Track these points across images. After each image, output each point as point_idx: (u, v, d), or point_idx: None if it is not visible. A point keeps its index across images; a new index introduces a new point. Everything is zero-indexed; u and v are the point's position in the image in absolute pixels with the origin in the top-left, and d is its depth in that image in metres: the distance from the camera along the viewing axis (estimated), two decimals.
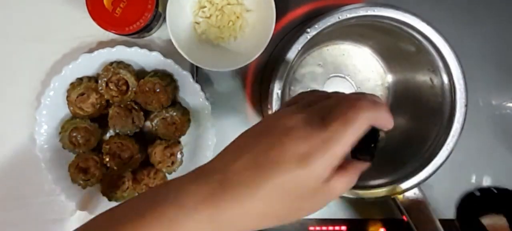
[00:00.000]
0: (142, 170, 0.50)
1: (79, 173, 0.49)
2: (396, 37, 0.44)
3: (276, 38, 0.52)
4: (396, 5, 0.41)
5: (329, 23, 0.41)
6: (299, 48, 0.41)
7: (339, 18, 0.41)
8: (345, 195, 0.42)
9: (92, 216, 0.51)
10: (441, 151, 0.42)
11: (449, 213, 0.54)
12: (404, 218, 0.46)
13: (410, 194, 0.44)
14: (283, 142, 0.28)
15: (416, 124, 0.48)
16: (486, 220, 0.49)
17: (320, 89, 0.52)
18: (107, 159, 0.49)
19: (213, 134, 0.50)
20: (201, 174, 0.30)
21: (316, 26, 0.41)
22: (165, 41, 0.53)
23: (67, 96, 0.49)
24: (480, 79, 0.54)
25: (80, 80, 0.49)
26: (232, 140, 0.54)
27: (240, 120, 0.54)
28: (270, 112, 0.41)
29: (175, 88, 0.50)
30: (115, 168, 0.49)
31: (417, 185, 0.43)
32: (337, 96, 0.31)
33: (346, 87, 0.53)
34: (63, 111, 0.50)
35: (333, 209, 0.53)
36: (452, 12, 0.54)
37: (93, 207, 0.51)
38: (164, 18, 0.48)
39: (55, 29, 0.53)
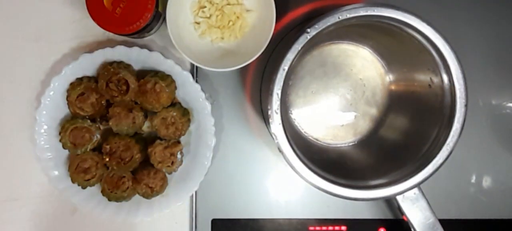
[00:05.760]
0: (142, 170, 0.50)
1: (79, 173, 0.49)
2: (396, 37, 0.44)
3: (276, 38, 0.52)
4: (396, 5, 0.41)
5: (329, 23, 0.41)
6: (299, 48, 0.41)
7: (339, 18, 0.41)
8: (345, 195, 0.42)
9: (92, 216, 0.51)
10: (441, 151, 0.42)
11: (449, 213, 0.54)
12: (404, 218, 0.46)
13: (410, 194, 0.44)
14: None
15: (416, 124, 0.48)
16: None
17: (320, 89, 0.52)
18: (107, 159, 0.49)
19: (213, 134, 0.50)
20: None
21: (316, 26, 0.41)
22: (165, 41, 0.53)
23: (67, 96, 0.49)
24: (480, 79, 0.54)
25: (80, 80, 0.49)
26: (232, 140, 0.54)
27: (240, 120, 0.54)
28: (270, 112, 0.41)
29: (175, 88, 0.50)
30: (115, 168, 0.49)
31: (417, 185, 0.43)
32: None
33: (346, 87, 0.53)
34: (63, 111, 0.50)
35: (333, 209, 0.53)
36: (452, 12, 0.54)
37: (93, 207, 0.51)
38: (164, 18, 0.48)
39: (55, 29, 0.53)
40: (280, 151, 0.42)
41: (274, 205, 0.54)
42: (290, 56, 0.41)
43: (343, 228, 0.53)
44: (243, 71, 0.53)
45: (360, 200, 0.43)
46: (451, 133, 0.42)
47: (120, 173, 0.50)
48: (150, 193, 0.50)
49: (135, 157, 0.49)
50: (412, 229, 0.45)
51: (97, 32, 0.48)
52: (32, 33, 0.53)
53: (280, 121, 0.41)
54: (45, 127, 0.50)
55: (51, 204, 0.53)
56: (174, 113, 0.49)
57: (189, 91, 0.50)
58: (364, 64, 0.53)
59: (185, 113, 0.51)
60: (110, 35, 0.52)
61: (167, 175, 0.51)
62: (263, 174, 0.54)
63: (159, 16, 0.49)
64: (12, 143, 0.53)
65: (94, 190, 0.51)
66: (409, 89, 0.50)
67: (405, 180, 0.43)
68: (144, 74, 0.49)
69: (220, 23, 0.49)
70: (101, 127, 0.51)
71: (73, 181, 0.49)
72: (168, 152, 0.50)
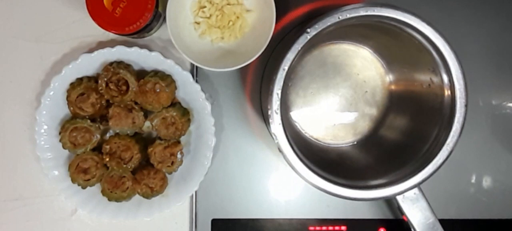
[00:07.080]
0: (142, 170, 0.50)
1: (79, 173, 0.49)
2: (396, 37, 0.44)
3: (276, 38, 0.52)
4: (396, 5, 0.41)
5: (329, 23, 0.41)
6: (299, 48, 0.41)
7: (339, 18, 0.41)
8: (345, 195, 0.42)
9: (92, 216, 0.51)
10: (441, 151, 0.42)
11: (449, 213, 0.54)
12: (404, 218, 0.46)
13: (410, 194, 0.44)
14: None
15: (416, 124, 0.48)
16: None
17: (320, 89, 0.52)
18: (107, 159, 0.49)
19: (213, 134, 0.50)
20: None
21: (316, 26, 0.41)
22: (165, 41, 0.53)
23: (67, 96, 0.49)
24: (480, 79, 0.54)
25: (80, 80, 0.49)
26: (232, 140, 0.54)
27: (240, 120, 0.54)
28: (270, 112, 0.41)
29: (175, 88, 0.50)
30: (115, 168, 0.49)
31: (417, 185, 0.43)
32: None
33: (346, 87, 0.53)
34: (63, 111, 0.50)
35: (333, 209, 0.53)
36: (452, 12, 0.54)
37: (93, 207, 0.51)
38: (164, 18, 0.48)
39: (55, 29, 0.53)
40: (280, 151, 0.42)
41: (274, 205, 0.54)
42: (290, 56, 0.41)
43: (343, 228, 0.53)
44: (243, 71, 0.53)
45: (360, 200, 0.43)
46: (451, 133, 0.42)
47: (120, 173, 0.50)
48: (150, 193, 0.50)
49: (135, 157, 0.49)
50: (412, 229, 0.45)
51: (97, 32, 0.48)
52: (32, 33, 0.53)
53: (280, 121, 0.41)
54: (45, 127, 0.50)
55: (51, 204, 0.54)
56: (174, 113, 0.49)
57: (189, 91, 0.50)
58: (364, 64, 0.53)
59: (185, 113, 0.51)
60: (110, 35, 0.52)
61: (167, 175, 0.51)
62: (263, 174, 0.54)
63: (159, 16, 0.49)
64: (12, 143, 0.53)
65: (94, 190, 0.51)
66: (409, 89, 0.50)
67: (405, 180, 0.43)
68: (144, 74, 0.49)
69: (220, 23, 0.49)
70: (101, 127, 0.51)
71: (73, 181, 0.49)
72: (168, 152, 0.50)
